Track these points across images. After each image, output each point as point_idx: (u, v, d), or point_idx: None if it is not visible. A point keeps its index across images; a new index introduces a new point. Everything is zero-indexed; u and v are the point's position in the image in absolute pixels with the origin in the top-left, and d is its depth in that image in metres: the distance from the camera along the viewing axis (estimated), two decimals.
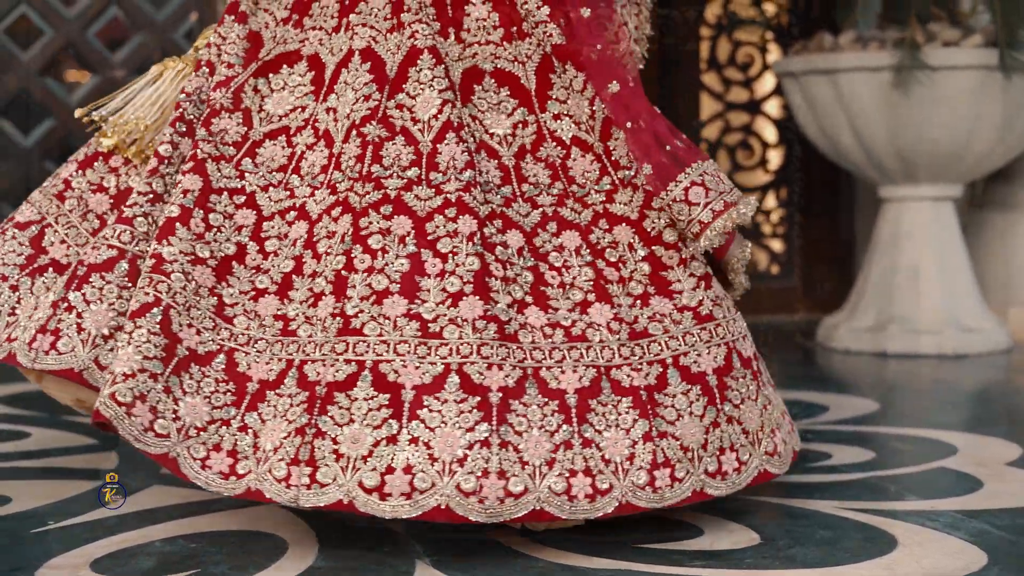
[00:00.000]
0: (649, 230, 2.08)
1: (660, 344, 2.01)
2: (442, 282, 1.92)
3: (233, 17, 2.18)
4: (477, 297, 1.91)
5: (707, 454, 1.97)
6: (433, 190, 1.99)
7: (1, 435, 2.78)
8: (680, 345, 2.02)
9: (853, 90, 3.81)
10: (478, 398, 1.85)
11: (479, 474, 1.81)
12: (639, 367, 1.97)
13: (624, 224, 2.08)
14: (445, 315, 1.90)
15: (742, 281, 2.20)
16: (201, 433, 1.90)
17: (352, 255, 1.96)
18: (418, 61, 2.06)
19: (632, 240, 2.08)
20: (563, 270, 2.02)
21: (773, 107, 4.87)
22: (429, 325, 1.89)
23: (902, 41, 3.74)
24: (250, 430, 1.90)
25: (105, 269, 2.01)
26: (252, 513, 2.12)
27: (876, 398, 3.21)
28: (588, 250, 2.04)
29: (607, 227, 2.08)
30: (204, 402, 1.91)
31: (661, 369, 1.98)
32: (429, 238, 1.96)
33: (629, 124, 2.06)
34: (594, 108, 2.09)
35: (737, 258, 2.17)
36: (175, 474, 1.88)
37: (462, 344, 1.89)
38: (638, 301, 2.04)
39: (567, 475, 1.85)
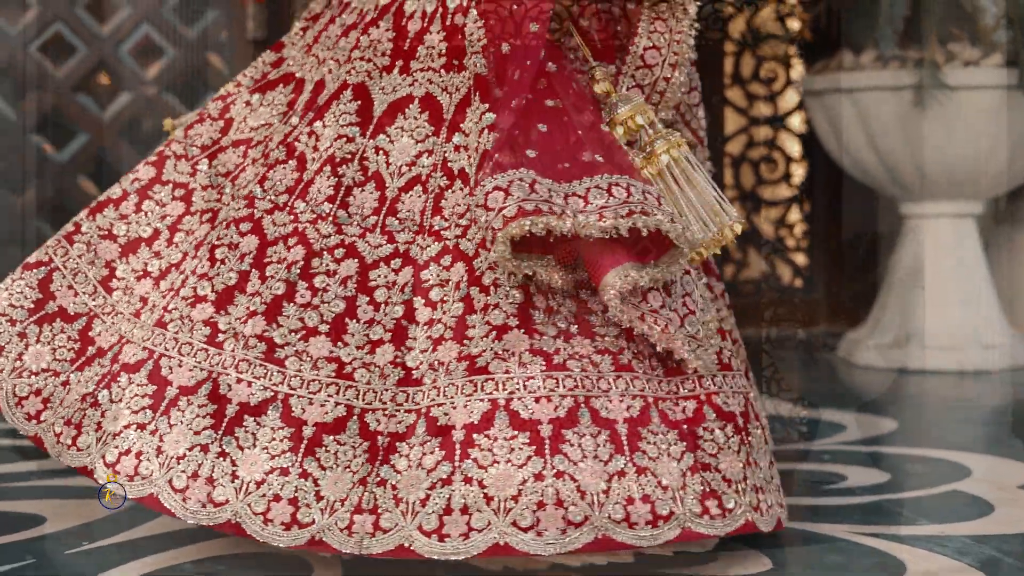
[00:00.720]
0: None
1: (693, 382, 2.03)
2: (486, 316, 1.95)
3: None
4: (522, 330, 1.94)
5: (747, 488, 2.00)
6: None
7: (32, 452, 2.83)
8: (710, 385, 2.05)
9: (873, 109, 3.85)
10: (528, 432, 1.88)
11: (534, 508, 1.84)
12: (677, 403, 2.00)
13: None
14: (491, 349, 1.93)
15: (617, 307, 1.93)
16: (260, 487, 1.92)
17: (414, 306, 1.99)
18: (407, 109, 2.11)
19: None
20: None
21: (797, 121, 4.91)
22: (476, 360, 1.93)
23: (922, 61, 3.78)
24: (310, 477, 1.92)
25: (260, 413, 1.98)
26: None
27: (894, 416, 3.24)
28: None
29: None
30: (263, 453, 1.93)
31: (696, 405, 2.01)
32: (476, 273, 1.98)
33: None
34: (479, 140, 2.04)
35: (611, 285, 1.92)
36: (238, 535, 1.91)
37: (508, 379, 1.92)
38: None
39: (624, 503, 1.86)
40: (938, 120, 3.79)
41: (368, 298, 2.02)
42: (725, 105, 4.88)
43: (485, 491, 1.84)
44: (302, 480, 1.91)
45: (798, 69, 4.85)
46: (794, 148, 4.94)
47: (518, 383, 1.91)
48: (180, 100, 4.57)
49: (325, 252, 2.05)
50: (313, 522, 1.89)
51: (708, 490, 1.92)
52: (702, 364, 1.99)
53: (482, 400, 1.89)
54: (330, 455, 1.92)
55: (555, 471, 1.85)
